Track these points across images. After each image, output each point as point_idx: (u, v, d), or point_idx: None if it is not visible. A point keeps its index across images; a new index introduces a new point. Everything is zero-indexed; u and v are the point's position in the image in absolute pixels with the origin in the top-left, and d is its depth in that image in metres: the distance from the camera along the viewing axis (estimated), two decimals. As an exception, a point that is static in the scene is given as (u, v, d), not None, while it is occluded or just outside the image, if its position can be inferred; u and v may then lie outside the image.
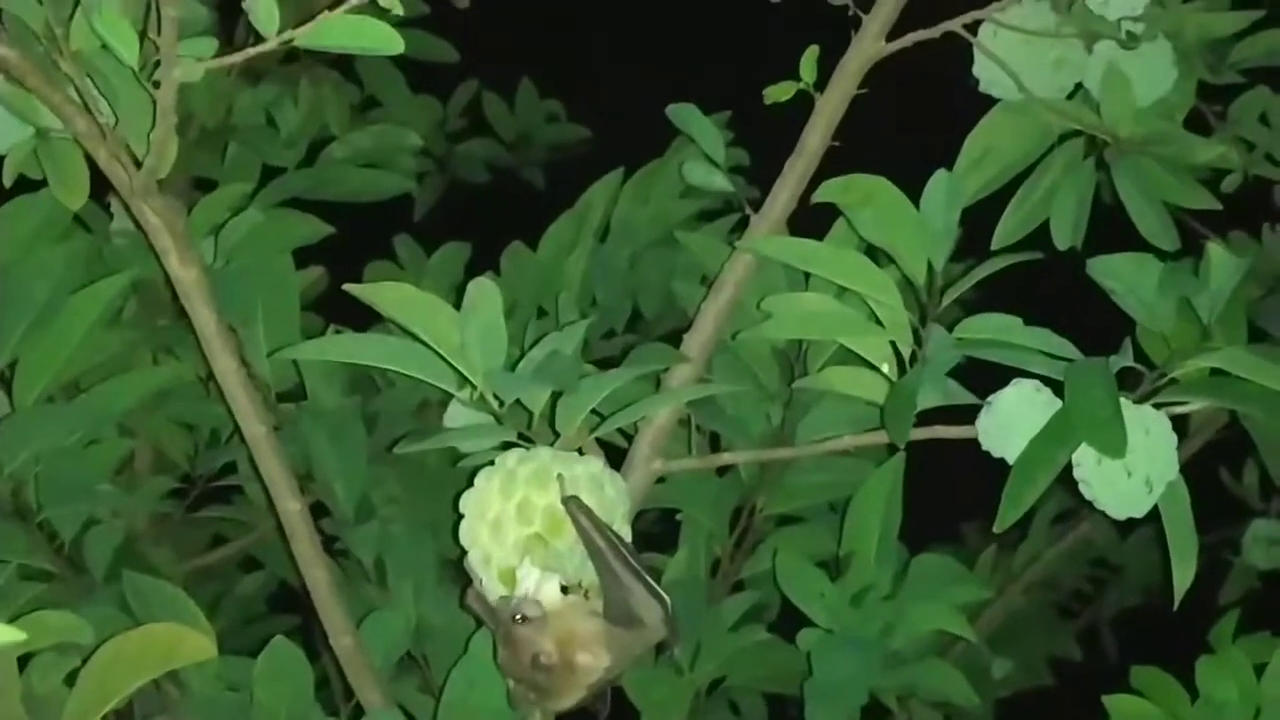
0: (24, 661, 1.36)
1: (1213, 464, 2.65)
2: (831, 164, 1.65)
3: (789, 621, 1.83)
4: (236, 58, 1.20)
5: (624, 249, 2.15)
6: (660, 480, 1.75)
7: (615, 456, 1.64)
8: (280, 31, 1.15)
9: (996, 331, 1.46)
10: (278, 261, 1.86)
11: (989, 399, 1.44)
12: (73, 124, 1.36)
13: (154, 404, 1.94)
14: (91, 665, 1.32)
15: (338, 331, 1.99)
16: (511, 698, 1.42)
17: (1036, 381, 1.42)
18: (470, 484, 1.46)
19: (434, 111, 2.95)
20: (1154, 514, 1.44)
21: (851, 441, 1.66)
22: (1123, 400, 1.36)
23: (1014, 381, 1.43)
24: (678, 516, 1.96)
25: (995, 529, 1.37)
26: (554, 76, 3.19)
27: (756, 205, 1.69)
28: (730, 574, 1.99)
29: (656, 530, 2.07)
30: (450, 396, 1.53)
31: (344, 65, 2.47)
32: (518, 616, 1.37)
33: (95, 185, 1.55)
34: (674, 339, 1.76)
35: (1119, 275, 1.42)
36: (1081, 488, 1.40)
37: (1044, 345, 1.43)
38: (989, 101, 1.71)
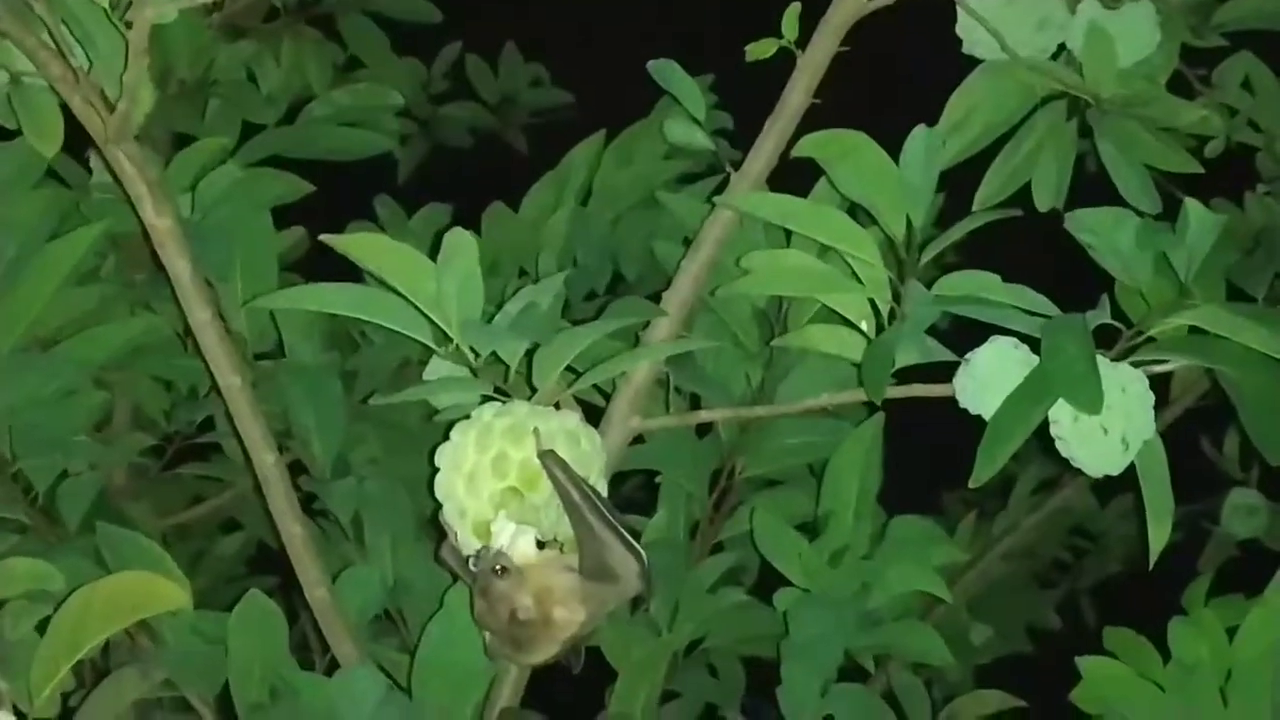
0: (-5, 611, 1.36)
1: (1193, 433, 2.65)
2: (814, 125, 1.65)
3: (769, 584, 1.83)
4: (210, -1, 1.19)
5: (606, 211, 2.14)
6: (639, 441, 1.75)
7: (593, 415, 1.64)
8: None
9: (975, 288, 1.45)
10: (256, 217, 1.85)
11: (967, 356, 1.43)
12: (47, 68, 1.35)
13: (131, 359, 1.92)
14: (63, 613, 1.32)
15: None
16: (488, 649, 1.42)
17: (1014, 339, 1.42)
18: (447, 439, 1.46)
19: (417, 73, 2.94)
20: (1133, 483, 1.44)
21: (830, 399, 1.65)
22: (1100, 358, 1.35)
23: (991, 339, 1.42)
24: (657, 479, 1.96)
25: (970, 484, 1.37)
26: (538, 40, 3.18)
27: (737, 166, 1.68)
28: (709, 536, 1.99)
29: (638, 495, 2.07)
30: (431, 354, 1.53)
31: (327, 24, 2.46)
32: (496, 568, 1.37)
33: (75, 140, 1.55)
34: (656, 300, 1.76)
35: (1096, 229, 1.41)
36: (1058, 445, 1.40)
37: (1022, 302, 1.42)
38: (972, 62, 1.71)
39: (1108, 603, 3.27)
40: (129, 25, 1.20)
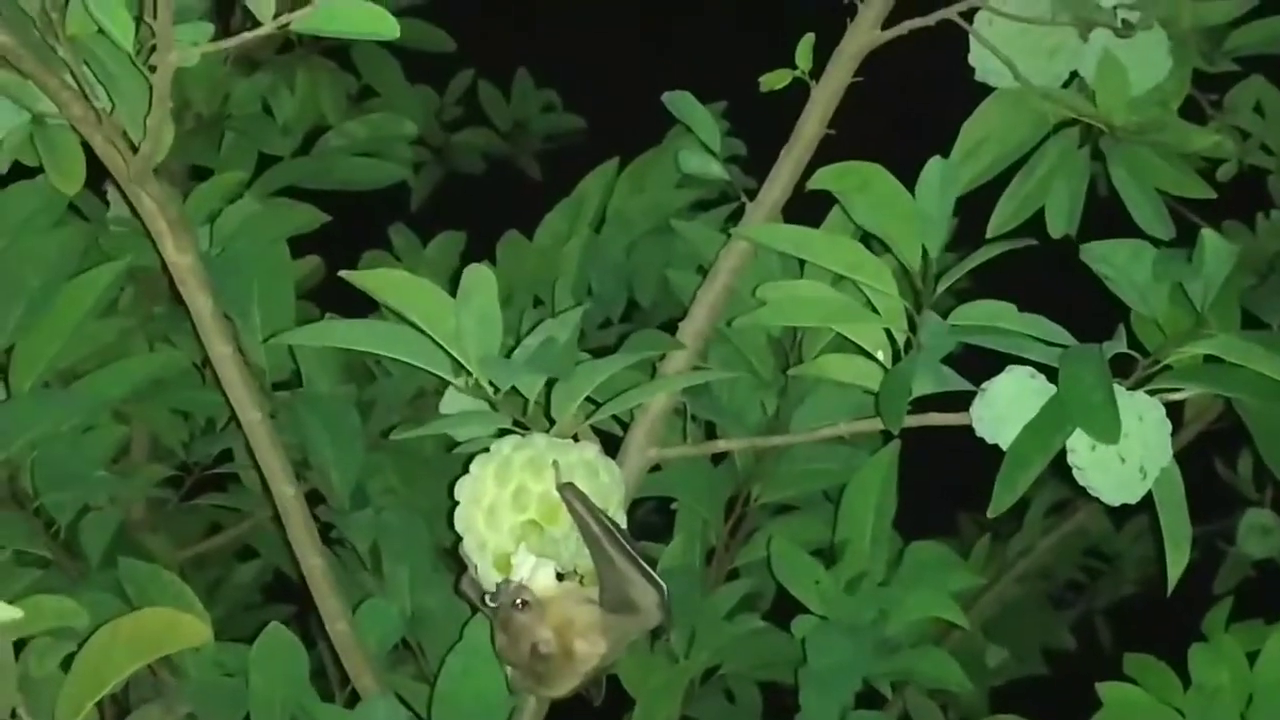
0: (19, 646, 1.37)
1: (1207, 454, 2.65)
2: (828, 153, 1.66)
3: (784, 609, 1.84)
4: (232, 42, 1.20)
5: (620, 238, 2.14)
6: (655, 469, 1.75)
7: (611, 445, 1.65)
8: (277, 16, 1.15)
9: (990, 318, 1.46)
10: (273, 249, 1.86)
11: (983, 386, 1.44)
12: (69, 109, 1.36)
13: (150, 391, 1.93)
14: (87, 650, 1.33)
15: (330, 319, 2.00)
16: (510, 683, 1.42)
17: (1031, 368, 1.42)
18: (466, 471, 1.46)
19: (430, 101, 2.95)
20: (1148, 505, 1.44)
21: (846, 429, 1.66)
22: (1116, 386, 1.36)
23: (1008, 368, 1.43)
24: (673, 506, 1.96)
25: (989, 514, 1.37)
26: (550, 66, 3.20)
27: (753, 195, 1.69)
28: (725, 562, 2.00)
29: (653, 519, 2.07)
30: (446, 384, 1.54)
31: (340, 55, 2.47)
32: (517, 602, 1.38)
33: (92, 174, 1.56)
34: (670, 328, 1.76)
35: (1112, 261, 1.42)
36: (1075, 474, 1.41)
37: (1038, 332, 1.43)
38: (985, 90, 1.72)
39: (1123, 624, 3.27)
40: (152, 69, 1.21)
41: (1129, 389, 1.40)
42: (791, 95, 1.67)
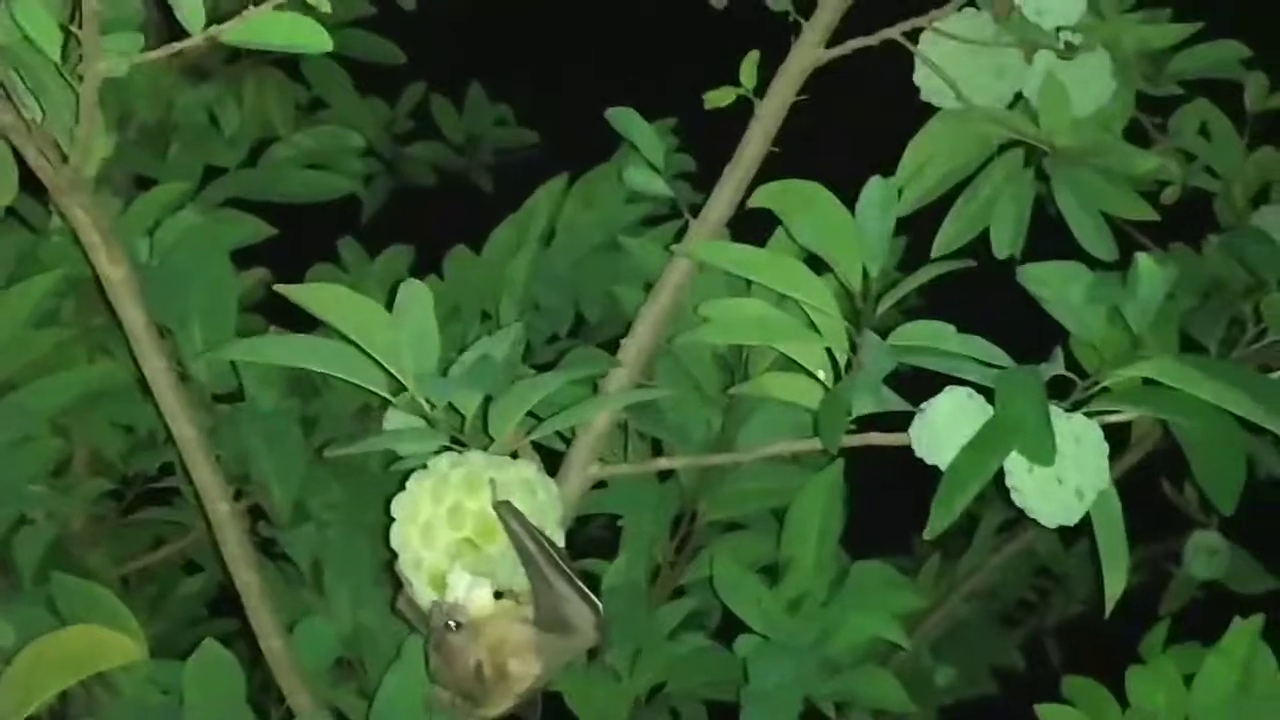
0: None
1: (1154, 475, 2.66)
2: (775, 171, 1.66)
3: (731, 628, 1.83)
4: (160, 52, 1.19)
5: (568, 253, 2.14)
6: (601, 485, 1.75)
7: (554, 461, 1.64)
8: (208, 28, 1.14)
9: (930, 339, 1.46)
10: (215, 262, 1.84)
11: (921, 406, 1.44)
12: (-1, 118, 1.34)
13: (90, 404, 1.91)
14: (15, 667, 1.32)
15: (277, 333, 1.98)
16: (430, 703, 1.41)
17: (969, 389, 1.42)
18: (403, 488, 1.45)
19: (381, 113, 2.94)
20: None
21: (790, 447, 1.66)
22: (1053, 408, 1.36)
23: (946, 389, 1.43)
24: (619, 523, 1.95)
25: (926, 535, 1.36)
26: (503, 80, 3.19)
27: (697, 212, 1.69)
28: (671, 580, 1.99)
29: (600, 535, 2.06)
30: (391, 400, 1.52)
31: (290, 66, 2.46)
32: (450, 623, 1.36)
33: (36, 181, 1.54)
34: (617, 344, 1.75)
35: (1049, 283, 1.42)
36: (1013, 495, 1.40)
37: (977, 353, 1.43)
38: (931, 109, 1.72)
39: (1071, 643, 3.28)
40: (80, 78, 1.20)
41: (1066, 411, 1.40)
42: (744, 112, 1.67)
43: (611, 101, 1.73)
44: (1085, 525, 1.45)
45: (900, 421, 1.49)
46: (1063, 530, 1.46)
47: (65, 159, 1.34)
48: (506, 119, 3.14)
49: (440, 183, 3.13)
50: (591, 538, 2.16)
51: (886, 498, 1.90)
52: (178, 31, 2.06)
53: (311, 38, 1.15)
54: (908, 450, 1.49)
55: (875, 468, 1.76)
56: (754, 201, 1.57)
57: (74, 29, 1.20)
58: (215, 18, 1.15)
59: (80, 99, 1.22)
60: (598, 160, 2.23)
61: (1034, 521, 1.43)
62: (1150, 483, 2.62)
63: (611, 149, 2.22)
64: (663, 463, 1.79)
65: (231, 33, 1.11)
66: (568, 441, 1.70)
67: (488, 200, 3.10)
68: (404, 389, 1.45)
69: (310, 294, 1.45)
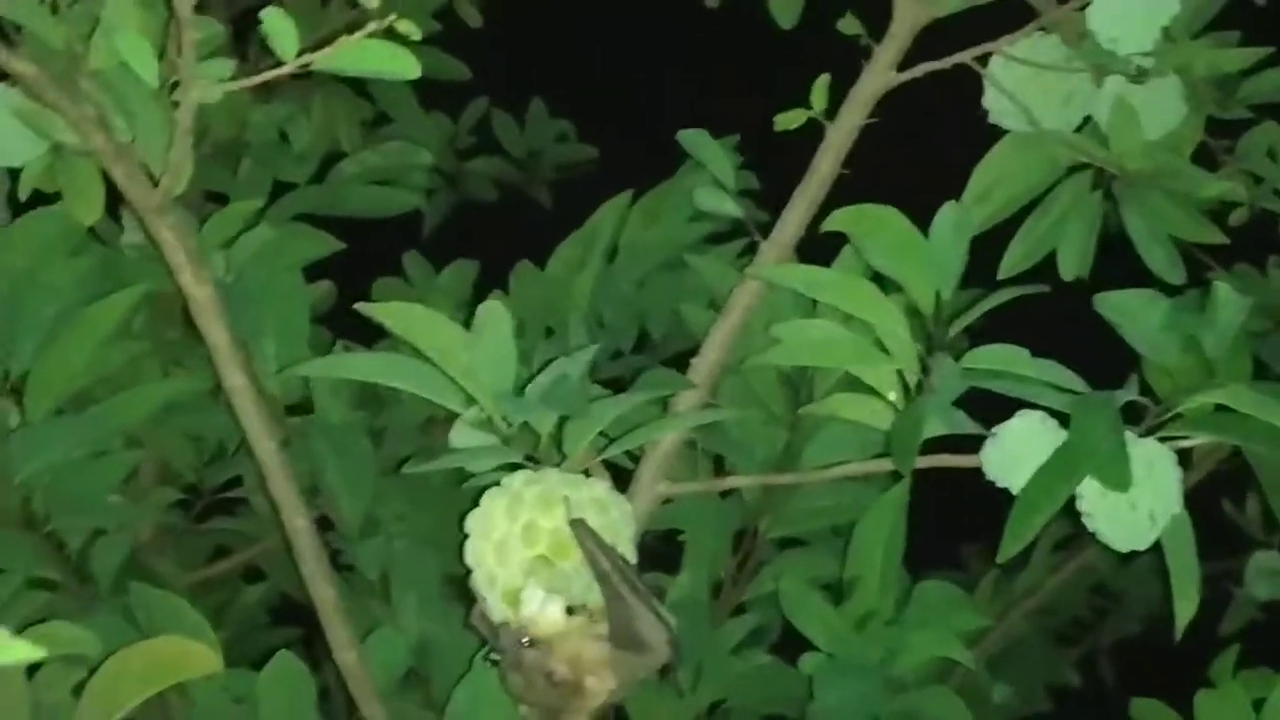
0: (31, 671, 1.37)
1: (1215, 495, 2.65)
2: (838, 192, 1.67)
3: (790, 645, 1.84)
4: (254, 80, 1.21)
5: (632, 271, 2.15)
6: (665, 502, 1.76)
7: (621, 479, 1.65)
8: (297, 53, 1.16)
9: (1003, 363, 1.46)
10: (288, 277, 1.87)
11: (994, 430, 1.44)
12: (91, 140, 1.37)
13: (161, 416, 1.94)
14: (98, 678, 1.33)
15: (346, 347, 2.01)
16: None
17: (1043, 413, 1.43)
18: (476, 503, 1.47)
19: (444, 129, 2.96)
20: (1156, 543, 1.45)
21: (857, 469, 1.66)
22: (1127, 434, 1.36)
23: (1020, 413, 1.43)
24: (680, 538, 1.97)
25: (998, 560, 1.38)
26: (564, 96, 3.21)
27: (765, 230, 1.70)
28: (732, 597, 2.00)
29: (659, 550, 2.07)
30: (457, 413, 1.54)
31: (356, 82, 2.48)
32: (524, 640, 1.38)
33: (107, 196, 1.57)
34: (680, 361, 1.77)
35: (1125, 311, 1.43)
36: (1085, 520, 1.41)
37: (1051, 377, 1.43)
38: (998, 132, 1.73)
39: (1127, 662, 3.27)
40: (174, 104, 1.23)
41: (1140, 436, 1.41)
42: (805, 128, 1.68)
43: (670, 120, 1.75)
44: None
45: (965, 443, 1.50)
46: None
47: (153, 180, 1.36)
48: (567, 135, 3.16)
49: (500, 198, 3.16)
50: (651, 552, 2.17)
51: (935, 515, 1.90)
52: (249, 48, 2.13)
53: (399, 65, 1.17)
54: (958, 470, 1.50)
55: (923, 484, 1.77)
56: (829, 225, 1.58)
57: (169, 55, 1.22)
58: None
59: (176, 124, 1.24)
60: (657, 177, 2.24)
61: (1093, 540, 1.43)
62: (1212, 502, 2.62)
63: (671, 166, 2.23)
64: (730, 481, 1.80)
65: (325, 60, 1.13)
66: (634, 459, 1.72)
67: (547, 216, 3.12)
68: (479, 406, 1.47)
69: (388, 311, 1.47)
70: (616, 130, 3.16)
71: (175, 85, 1.25)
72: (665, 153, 2.06)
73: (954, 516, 2.49)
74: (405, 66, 1.18)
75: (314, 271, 2.01)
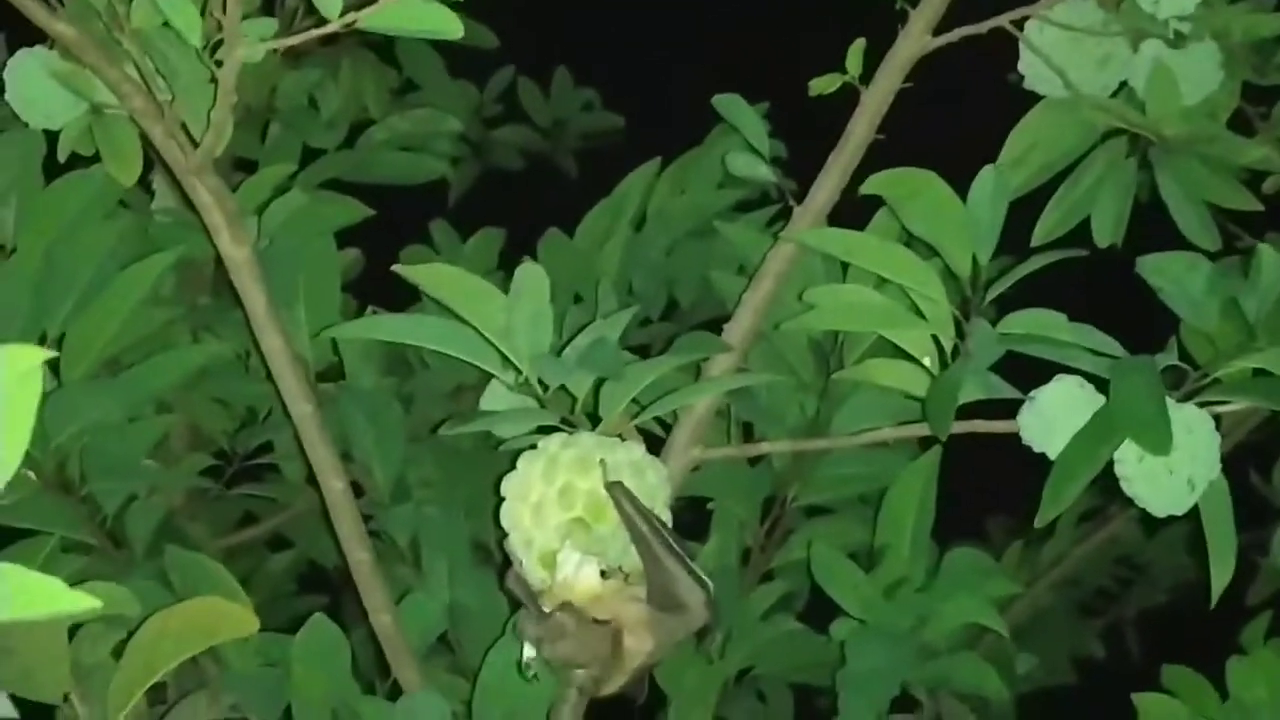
0: (71, 632, 1.38)
1: (1243, 465, 2.64)
2: (871, 160, 1.66)
3: (817, 612, 1.84)
4: (297, 39, 1.21)
5: (661, 238, 2.15)
6: (694, 469, 1.76)
7: (653, 446, 1.65)
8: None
9: (1040, 327, 1.46)
10: (319, 243, 1.87)
11: (1031, 394, 1.44)
12: (130, 100, 1.37)
13: (193, 382, 1.95)
14: (138, 638, 1.34)
15: (374, 313, 2.01)
16: (582, 690, 1.43)
17: (1080, 378, 1.42)
18: (508, 467, 1.47)
19: (470, 97, 2.96)
20: (1182, 515, 1.44)
21: (890, 434, 1.66)
22: (1166, 399, 1.36)
23: (1057, 377, 1.43)
24: (709, 505, 1.97)
25: (1036, 524, 1.37)
26: (589, 65, 3.20)
27: (796, 197, 1.70)
28: (761, 564, 2.00)
29: (686, 518, 2.07)
30: (486, 378, 1.54)
31: (383, 49, 2.48)
32: (551, 611, 1.38)
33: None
34: (710, 328, 1.77)
35: (1167, 274, 1.42)
36: (1123, 484, 1.40)
37: (1089, 342, 1.43)
38: (1032, 97, 1.72)
39: (1151, 634, 3.27)
40: (217, 63, 1.22)
41: (1178, 401, 1.40)
42: (832, 96, 1.67)
43: (694, 88, 1.74)
44: (1170, 516, 1.45)
45: (998, 409, 1.50)
46: (1146, 519, 1.47)
47: (193, 141, 1.36)
48: (593, 104, 3.16)
49: (526, 167, 3.16)
50: (679, 519, 2.18)
51: (959, 486, 1.91)
52: (276, 10, 2.12)
53: (445, 23, 1.17)
54: (980, 438, 1.50)
55: (950, 458, 1.77)
56: (866, 188, 1.58)
57: (211, 14, 1.22)
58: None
59: (218, 83, 1.24)
60: (681, 147, 2.23)
61: (1118, 509, 1.44)
62: (1239, 473, 2.61)
63: (697, 135, 2.23)
64: (763, 447, 1.80)
65: (369, 19, 1.13)
66: (666, 426, 1.72)
67: (573, 185, 3.12)
68: (516, 369, 1.47)
69: (424, 274, 1.48)
70: (642, 99, 3.16)
71: (216, 45, 1.25)
72: (691, 122, 2.06)
73: (979, 489, 2.49)
74: (447, 25, 1.17)
75: (341, 240, 2.01)
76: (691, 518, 2.00)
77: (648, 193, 2.20)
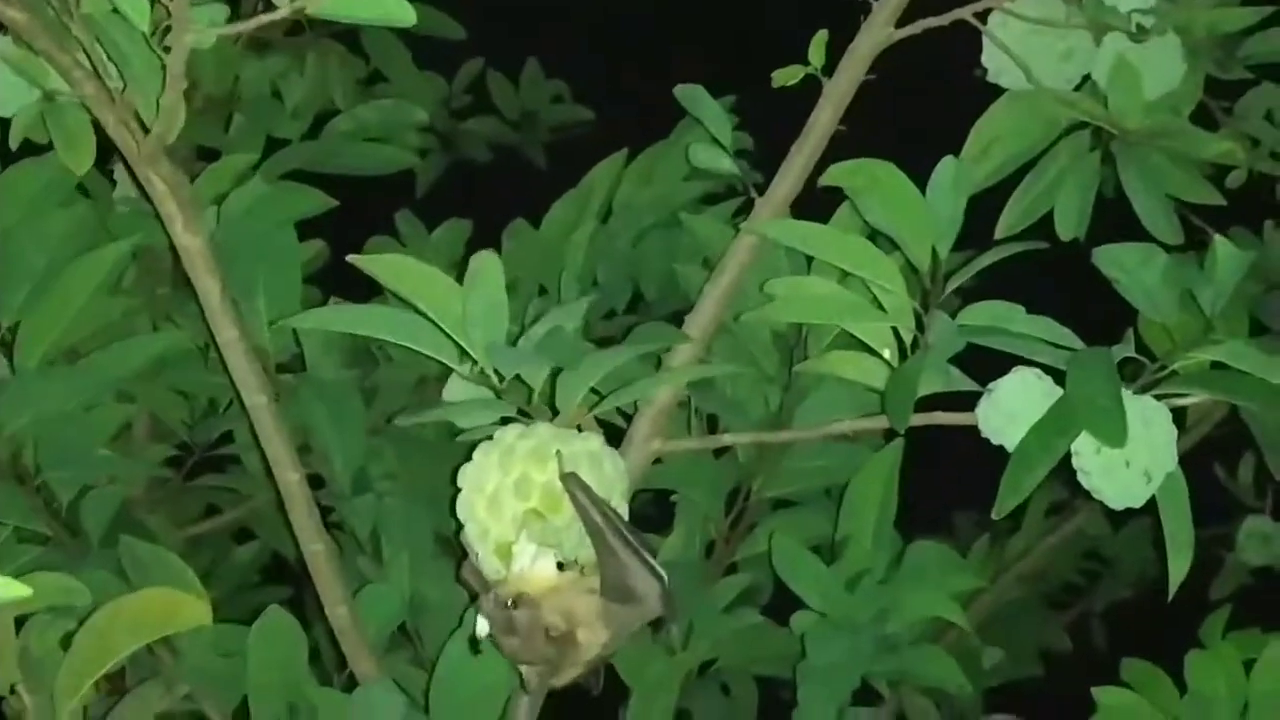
0: (20, 623, 1.37)
1: (1208, 460, 2.65)
2: (833, 150, 1.66)
3: (781, 605, 1.84)
4: (248, 25, 1.20)
5: (626, 230, 2.14)
6: (657, 461, 1.75)
7: (613, 438, 1.64)
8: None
9: (999, 319, 1.46)
10: (280, 233, 1.85)
11: (989, 386, 1.44)
12: (81, 87, 1.35)
13: (152, 372, 1.93)
14: (88, 628, 1.33)
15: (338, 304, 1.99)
16: (525, 684, 1.43)
17: (1038, 369, 1.42)
18: (468, 458, 1.46)
19: (439, 88, 2.94)
20: (1147, 508, 1.44)
21: (851, 425, 1.66)
22: (1123, 391, 1.36)
23: (1015, 369, 1.43)
24: (673, 498, 1.96)
25: (994, 515, 1.37)
26: (559, 57, 3.19)
27: (760, 189, 1.69)
28: (724, 556, 2.00)
29: (651, 512, 2.07)
30: (449, 371, 1.53)
31: (350, 38, 2.47)
32: (508, 603, 1.37)
33: (98, 152, 1.55)
34: (675, 321, 1.76)
35: (1124, 265, 1.42)
36: (1080, 477, 1.40)
37: (1046, 334, 1.43)
38: (996, 91, 1.72)
39: (1118, 627, 3.27)
40: (166, 49, 1.21)
41: (1136, 393, 1.40)
42: (799, 88, 1.67)
43: (664, 81, 1.74)
44: (1137, 508, 1.45)
45: (959, 402, 1.49)
46: (1112, 513, 1.47)
47: (145, 129, 1.35)
48: (563, 96, 3.15)
49: (495, 159, 3.14)
50: (639, 513, 2.17)
51: (926, 480, 1.91)
52: (242, 2, 2.11)
53: (397, 10, 1.16)
54: (946, 432, 1.50)
55: (914, 450, 1.77)
56: (825, 179, 1.57)
57: (161, 1, 1.21)
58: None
59: (167, 69, 1.23)
60: (652, 138, 2.23)
61: (1084, 503, 1.44)
62: (1204, 467, 2.62)
63: (665, 127, 2.22)
64: (724, 439, 1.79)
65: (319, 5, 1.12)
66: (627, 418, 1.71)
67: (542, 177, 3.11)
68: (471, 360, 1.46)
69: (380, 264, 1.46)
70: (611, 92, 3.15)
71: (167, 31, 1.23)
72: (660, 115, 2.05)
73: (944, 484, 2.49)
74: (402, 13, 1.16)
75: (306, 230, 1.99)
76: (656, 509, 1.99)
77: (614, 185, 2.19)
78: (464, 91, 3.07)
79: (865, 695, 1.79)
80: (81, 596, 1.31)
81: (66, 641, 1.35)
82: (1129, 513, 1.45)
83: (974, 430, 1.46)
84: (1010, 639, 2.73)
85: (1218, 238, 1.39)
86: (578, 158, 2.32)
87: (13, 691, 1.30)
